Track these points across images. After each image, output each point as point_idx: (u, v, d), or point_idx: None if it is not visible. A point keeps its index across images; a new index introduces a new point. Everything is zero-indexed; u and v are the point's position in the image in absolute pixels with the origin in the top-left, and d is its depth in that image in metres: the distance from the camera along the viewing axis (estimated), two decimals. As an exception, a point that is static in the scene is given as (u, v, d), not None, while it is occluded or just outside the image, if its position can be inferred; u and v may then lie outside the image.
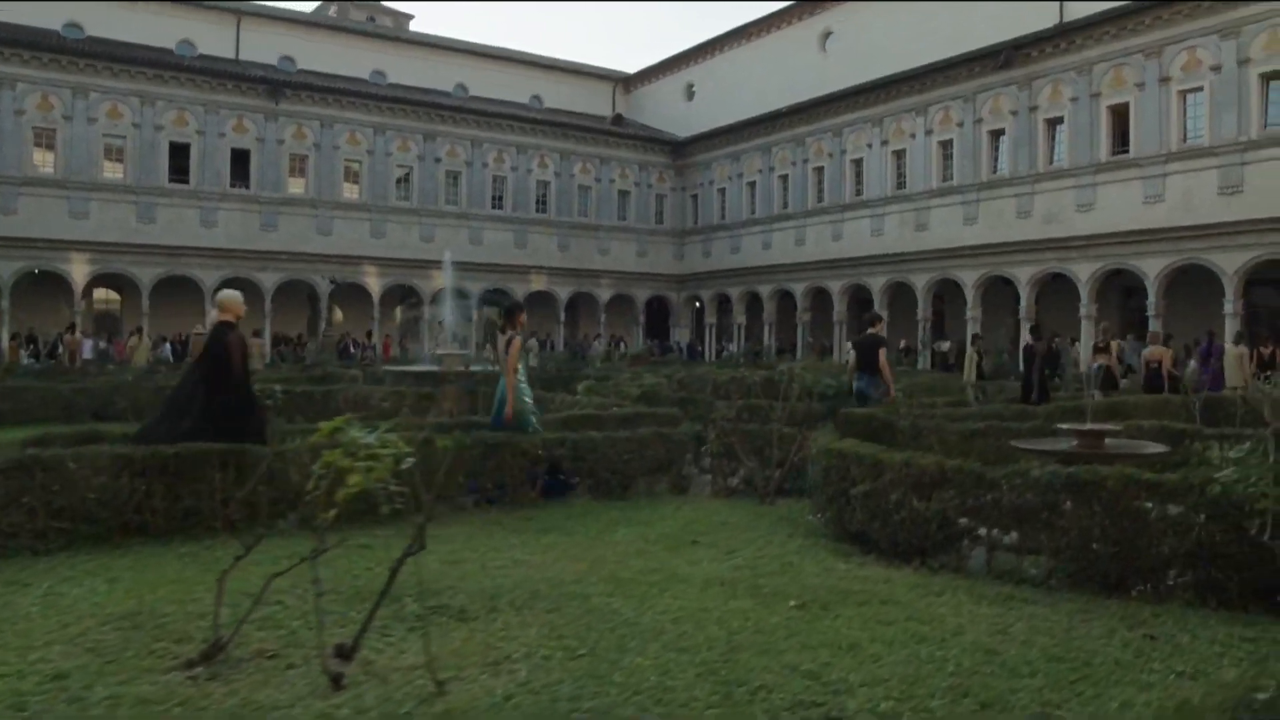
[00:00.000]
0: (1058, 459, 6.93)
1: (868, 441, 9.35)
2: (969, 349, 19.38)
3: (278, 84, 31.11)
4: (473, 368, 13.21)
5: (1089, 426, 6.89)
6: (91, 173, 28.28)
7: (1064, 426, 7.10)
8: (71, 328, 23.73)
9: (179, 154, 29.68)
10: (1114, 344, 15.50)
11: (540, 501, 7.39)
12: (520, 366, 8.06)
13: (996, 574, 5.12)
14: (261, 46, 34.64)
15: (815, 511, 6.45)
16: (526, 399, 8.14)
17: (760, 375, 13.80)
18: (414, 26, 45.06)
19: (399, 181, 33.98)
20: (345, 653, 3.81)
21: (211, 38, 33.95)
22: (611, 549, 5.78)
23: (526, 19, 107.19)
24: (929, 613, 4.34)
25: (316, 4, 44.00)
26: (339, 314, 35.29)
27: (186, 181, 29.78)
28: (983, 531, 5.30)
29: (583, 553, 5.67)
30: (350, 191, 33.11)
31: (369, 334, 32.67)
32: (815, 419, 9.54)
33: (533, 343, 31.30)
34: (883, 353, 10.34)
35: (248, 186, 30.89)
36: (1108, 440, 6.82)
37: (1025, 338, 19.88)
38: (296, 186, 31.96)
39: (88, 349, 28.72)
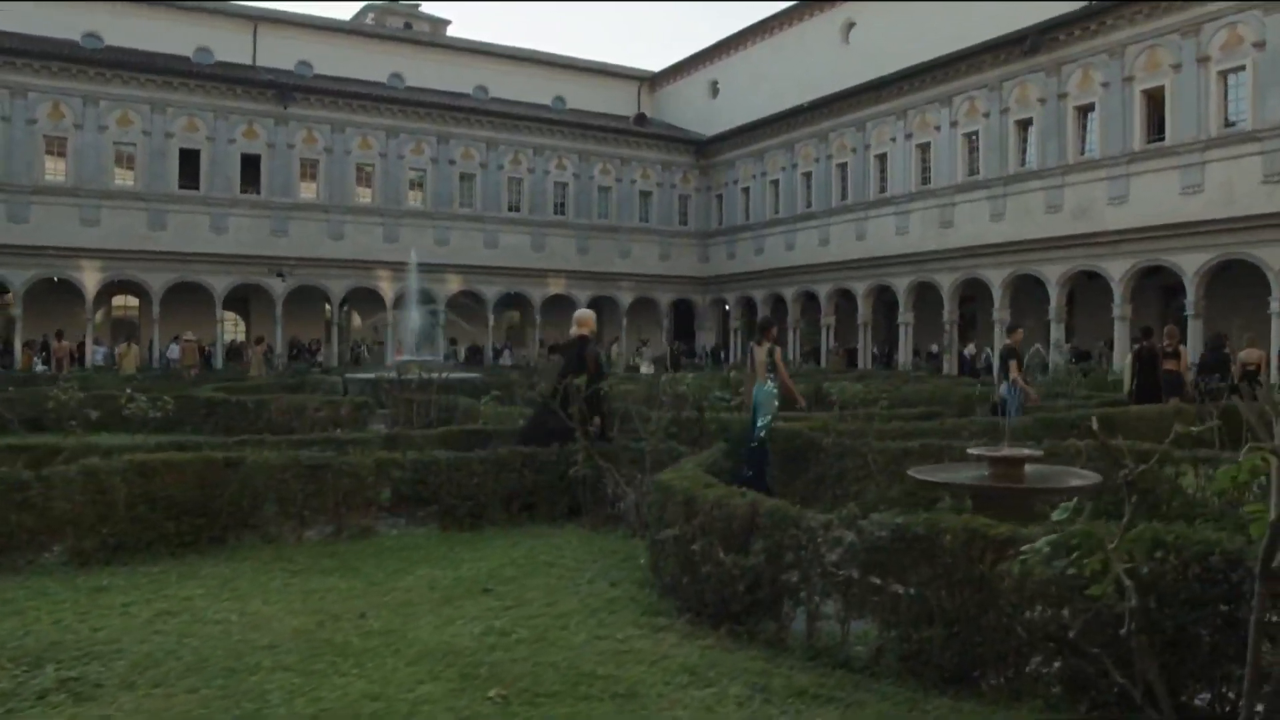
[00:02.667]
0: (968, 492, 5.75)
1: (792, 462, 8.25)
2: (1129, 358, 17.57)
3: (287, 88, 30.88)
4: (407, 376, 12.34)
5: (1006, 452, 5.66)
6: (102, 180, 28.37)
7: (974, 451, 5.85)
8: (59, 334, 23.72)
9: (189, 160, 29.64)
10: (1182, 349, 13.85)
11: (375, 531, 6.44)
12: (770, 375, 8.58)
13: (818, 650, 3.96)
14: (279, 52, 34.54)
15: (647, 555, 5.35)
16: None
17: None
18: (451, 32, 44.59)
19: (412, 185, 33.52)
20: None
21: (229, 44, 33.95)
22: (380, 597, 4.79)
23: (557, 20, 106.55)
24: (664, 716, 3.23)
25: (354, 11, 44.01)
26: (356, 319, 35.04)
27: (197, 188, 29.73)
28: (813, 594, 4.14)
29: (337, 602, 4.69)
30: (363, 195, 32.77)
31: (360, 340, 32.61)
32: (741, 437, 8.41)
33: (614, 348, 30.40)
34: (1013, 365, 11.46)
35: (258, 192, 30.73)
36: (1028, 468, 5.59)
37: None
38: (308, 191, 31.72)
39: (100, 355, 28.94)
